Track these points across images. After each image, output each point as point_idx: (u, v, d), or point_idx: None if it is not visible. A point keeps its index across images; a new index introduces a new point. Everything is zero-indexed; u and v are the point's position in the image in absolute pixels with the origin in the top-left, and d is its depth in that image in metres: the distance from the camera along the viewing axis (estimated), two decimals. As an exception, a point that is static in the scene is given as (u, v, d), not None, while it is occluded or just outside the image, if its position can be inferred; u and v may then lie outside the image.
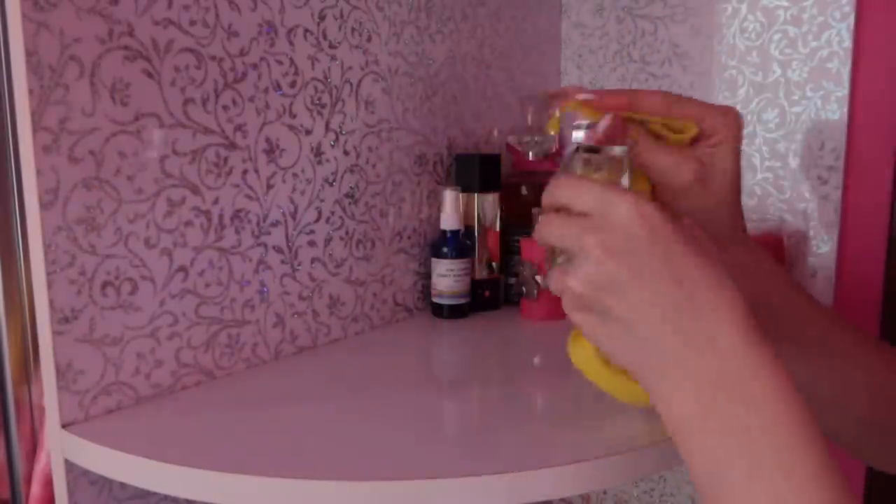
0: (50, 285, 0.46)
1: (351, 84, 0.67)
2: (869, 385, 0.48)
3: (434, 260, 0.76)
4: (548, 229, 0.39)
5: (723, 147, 0.45)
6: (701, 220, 0.42)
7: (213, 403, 0.53)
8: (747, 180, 0.90)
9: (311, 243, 0.65)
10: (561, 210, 0.40)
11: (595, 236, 0.37)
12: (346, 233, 0.68)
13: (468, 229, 0.79)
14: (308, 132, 0.63)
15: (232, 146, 0.57)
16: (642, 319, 0.36)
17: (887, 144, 0.82)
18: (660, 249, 0.36)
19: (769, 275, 0.48)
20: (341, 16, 0.66)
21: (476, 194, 0.78)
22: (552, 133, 0.52)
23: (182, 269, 0.54)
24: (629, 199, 0.37)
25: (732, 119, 0.46)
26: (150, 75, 0.51)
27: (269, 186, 0.60)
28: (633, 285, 0.36)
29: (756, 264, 0.47)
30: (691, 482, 0.94)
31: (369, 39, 0.69)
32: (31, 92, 0.44)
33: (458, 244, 0.76)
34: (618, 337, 0.38)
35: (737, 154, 0.46)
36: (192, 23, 0.53)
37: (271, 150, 0.60)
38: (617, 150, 0.43)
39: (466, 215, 0.79)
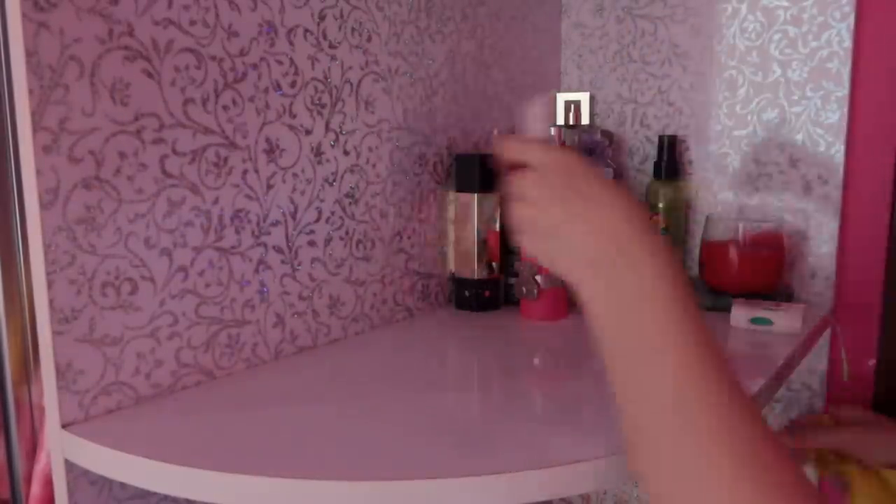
0: (50, 285, 0.46)
1: (351, 84, 0.67)
2: None
3: None
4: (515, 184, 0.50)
5: None
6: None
7: (213, 403, 0.53)
8: (748, 180, 0.90)
9: (311, 243, 0.65)
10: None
11: (531, 176, 0.48)
12: (346, 233, 0.68)
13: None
14: (308, 132, 0.63)
15: (232, 146, 0.57)
16: (568, 228, 0.46)
17: (887, 144, 0.82)
18: (580, 173, 0.47)
19: None
20: (341, 16, 0.66)
21: (475, 194, 0.78)
22: None
23: (182, 269, 0.54)
24: (551, 150, 0.49)
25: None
26: (150, 75, 0.51)
27: (269, 186, 0.60)
28: (553, 203, 0.47)
29: None
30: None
31: (369, 39, 0.69)
32: (31, 92, 0.44)
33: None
34: (554, 247, 0.47)
35: None
36: (192, 23, 0.53)
37: (271, 150, 0.60)
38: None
39: (466, 217, 0.79)
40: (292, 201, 0.62)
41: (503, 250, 0.82)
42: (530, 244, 0.49)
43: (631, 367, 0.41)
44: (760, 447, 0.37)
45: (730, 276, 0.80)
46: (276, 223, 0.61)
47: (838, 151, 0.83)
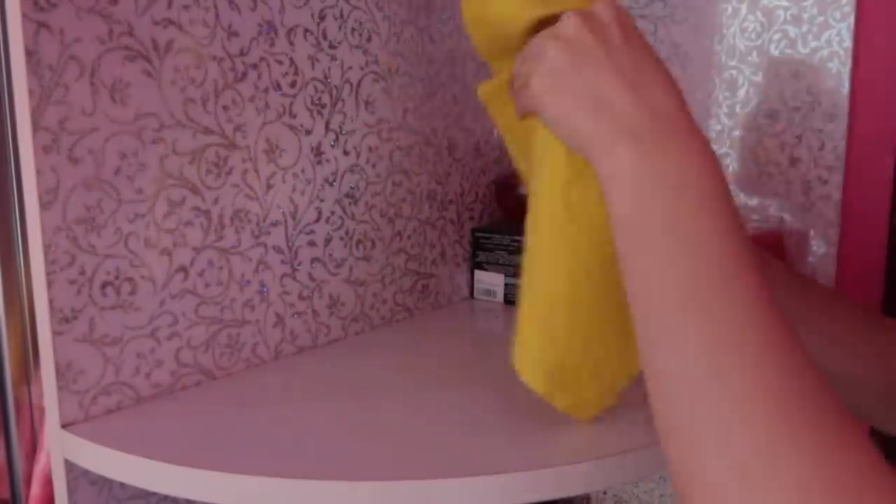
0: (50, 285, 0.46)
1: (351, 84, 0.67)
2: (882, 362, 0.48)
3: None
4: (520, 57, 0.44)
5: None
6: None
7: (213, 403, 0.53)
8: (748, 180, 0.90)
9: (311, 243, 0.65)
10: None
11: (553, 40, 0.41)
12: (346, 233, 0.68)
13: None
14: (308, 132, 0.63)
15: (232, 146, 0.57)
16: (597, 87, 0.39)
17: (887, 144, 0.82)
18: (629, 26, 0.41)
19: (767, 265, 0.48)
20: (341, 16, 0.66)
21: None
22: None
23: (182, 269, 0.54)
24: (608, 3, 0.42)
25: None
26: (150, 75, 0.51)
27: (269, 186, 0.60)
28: (598, 53, 0.40)
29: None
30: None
31: (369, 39, 0.69)
32: (31, 92, 0.44)
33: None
34: (583, 95, 0.40)
35: None
36: (192, 23, 0.53)
37: (271, 150, 0.60)
38: None
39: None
40: (292, 201, 0.62)
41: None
42: (548, 85, 0.41)
43: (656, 266, 0.35)
44: (821, 406, 0.29)
45: (730, 276, 0.80)
46: (276, 223, 0.61)
47: (838, 151, 0.83)
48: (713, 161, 0.37)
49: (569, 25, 0.41)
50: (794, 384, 0.30)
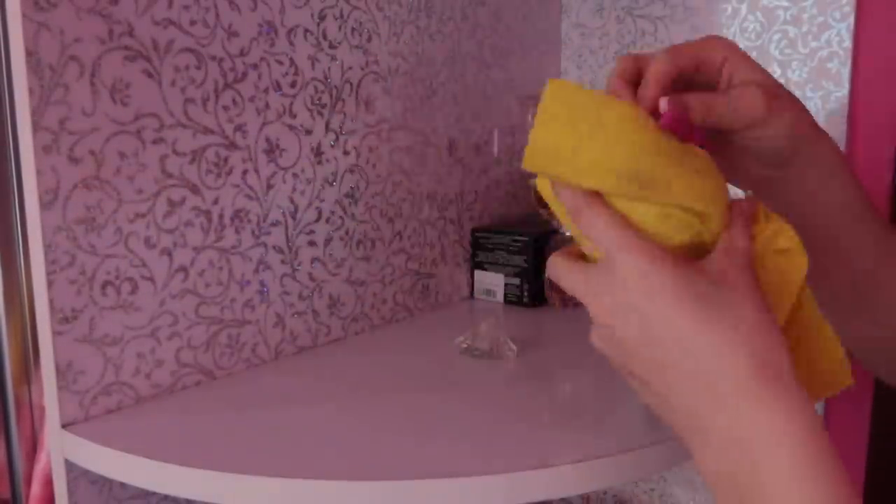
0: (50, 285, 0.46)
1: (351, 84, 0.67)
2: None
3: None
4: (554, 274, 0.40)
5: (738, 69, 0.42)
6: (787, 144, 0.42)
7: (213, 403, 0.53)
8: (747, 180, 0.90)
9: (311, 243, 0.65)
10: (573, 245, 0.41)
11: (595, 300, 0.38)
12: (346, 233, 0.68)
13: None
14: (308, 132, 0.63)
15: (232, 146, 0.57)
16: (657, 381, 0.37)
17: (887, 144, 0.82)
18: (659, 314, 0.35)
19: (838, 188, 0.46)
20: (341, 16, 0.66)
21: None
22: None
23: (182, 269, 0.54)
24: (633, 255, 0.36)
25: (724, 42, 0.43)
26: (150, 75, 0.51)
27: (269, 186, 0.60)
28: (641, 345, 0.36)
29: (830, 171, 0.45)
30: (691, 482, 0.94)
31: (369, 39, 0.69)
32: (31, 92, 0.44)
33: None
34: (643, 391, 0.39)
35: (752, 64, 0.42)
36: (192, 23, 0.53)
37: (271, 150, 0.60)
38: None
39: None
40: (292, 201, 0.62)
41: (503, 250, 0.82)
42: (602, 348, 0.39)
43: None
44: None
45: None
46: (276, 223, 0.61)
47: (838, 151, 0.83)
48: (797, 421, 0.34)
49: (594, 337, 0.39)
50: None
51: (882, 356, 0.51)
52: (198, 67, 0.54)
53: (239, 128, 0.57)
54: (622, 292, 0.36)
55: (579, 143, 0.37)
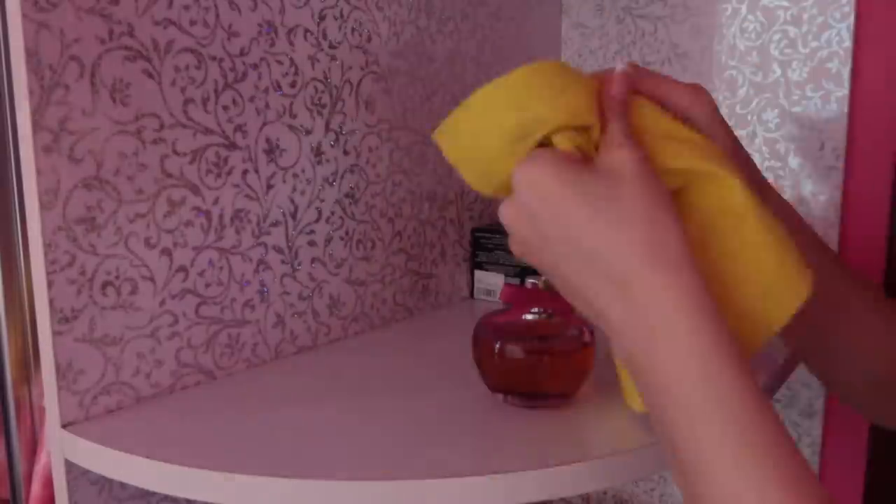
0: (50, 285, 0.46)
1: (351, 84, 0.67)
2: (876, 339, 0.48)
3: None
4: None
5: (702, 121, 0.45)
6: None
7: (213, 403, 0.53)
8: (747, 180, 0.90)
9: (311, 243, 0.65)
10: None
11: (504, 209, 0.41)
12: (346, 233, 0.68)
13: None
14: (308, 132, 0.63)
15: (232, 146, 0.57)
16: (559, 275, 0.40)
17: (887, 144, 0.82)
18: (550, 214, 0.39)
19: (822, 252, 0.49)
20: (341, 16, 0.66)
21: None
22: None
23: (182, 269, 0.54)
24: (522, 168, 0.40)
25: (704, 97, 0.46)
26: (150, 75, 0.51)
27: (269, 186, 0.60)
28: (542, 246, 0.40)
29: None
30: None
31: (369, 39, 0.69)
32: (31, 92, 0.44)
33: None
34: (556, 284, 0.42)
35: (719, 122, 0.46)
36: (193, 23, 0.53)
37: (271, 150, 0.60)
38: None
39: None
40: (292, 201, 0.62)
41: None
42: (521, 253, 0.43)
43: (661, 420, 0.36)
44: None
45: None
46: (276, 223, 0.61)
47: (838, 151, 0.83)
48: (687, 307, 0.36)
49: (503, 216, 0.42)
50: None
51: (860, 396, 0.52)
52: (198, 67, 0.54)
53: (239, 128, 0.57)
54: (520, 199, 0.40)
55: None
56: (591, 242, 0.37)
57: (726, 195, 0.42)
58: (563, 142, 0.41)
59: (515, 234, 0.41)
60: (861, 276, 0.50)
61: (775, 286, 0.42)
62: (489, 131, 0.42)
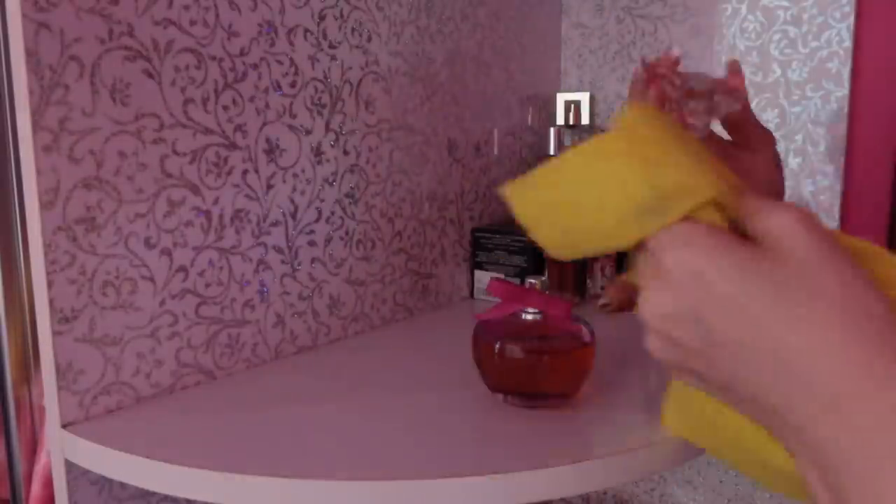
0: (50, 285, 0.46)
1: (351, 84, 0.67)
2: None
3: None
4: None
5: (763, 156, 0.47)
6: None
7: (213, 403, 0.53)
8: (747, 180, 0.90)
9: (311, 243, 0.65)
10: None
11: (652, 307, 0.34)
12: (346, 233, 0.68)
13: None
14: (308, 132, 0.63)
15: (232, 146, 0.57)
16: (733, 388, 0.33)
17: (887, 144, 0.82)
18: (725, 312, 0.31)
19: None
20: (341, 16, 0.66)
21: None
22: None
23: (182, 269, 0.54)
24: (676, 254, 0.32)
25: (771, 136, 0.49)
26: (150, 75, 0.51)
27: (269, 186, 0.60)
28: (711, 354, 0.32)
29: None
30: (691, 482, 0.94)
31: (369, 39, 0.69)
32: (31, 92, 0.44)
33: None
34: (724, 397, 0.35)
35: (779, 164, 0.49)
36: (192, 23, 0.53)
37: (271, 150, 0.60)
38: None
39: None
40: (292, 201, 0.62)
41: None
42: (661, 357, 0.35)
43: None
44: None
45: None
46: (276, 223, 0.61)
47: (838, 151, 0.83)
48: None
49: (645, 317, 0.34)
50: None
51: None
52: (198, 67, 0.54)
53: (239, 128, 0.57)
54: (679, 297, 0.32)
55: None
56: (788, 344, 0.30)
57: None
58: (711, 216, 0.33)
59: (671, 339, 0.33)
60: None
61: None
62: (603, 198, 0.35)
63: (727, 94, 0.44)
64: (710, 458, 0.92)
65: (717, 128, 0.49)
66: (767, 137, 0.49)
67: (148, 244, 0.52)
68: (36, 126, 0.45)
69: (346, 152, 0.67)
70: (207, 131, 0.55)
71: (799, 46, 0.84)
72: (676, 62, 0.44)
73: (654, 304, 0.33)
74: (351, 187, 0.68)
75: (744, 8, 0.87)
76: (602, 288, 0.84)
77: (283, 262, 0.62)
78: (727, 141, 0.51)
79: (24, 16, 0.43)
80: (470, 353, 0.65)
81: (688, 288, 0.32)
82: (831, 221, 0.84)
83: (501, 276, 0.83)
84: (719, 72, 0.90)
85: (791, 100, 0.86)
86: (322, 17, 0.64)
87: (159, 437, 0.47)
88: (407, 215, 0.76)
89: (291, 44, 0.61)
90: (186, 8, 0.52)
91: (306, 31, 0.62)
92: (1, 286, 0.71)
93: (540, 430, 0.48)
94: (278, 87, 0.60)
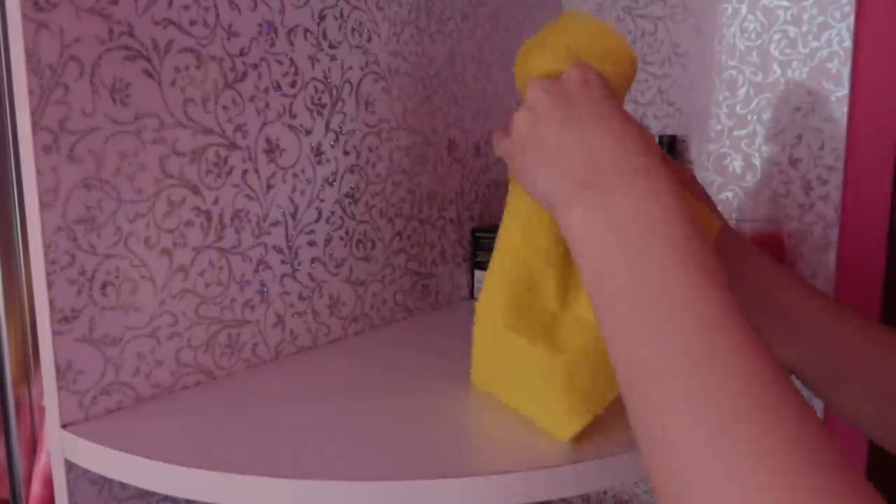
0: (50, 285, 0.46)
1: (351, 84, 0.67)
2: (884, 373, 0.49)
3: None
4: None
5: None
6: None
7: (213, 403, 0.53)
8: (748, 180, 0.90)
9: (311, 243, 0.65)
10: None
11: (521, 112, 0.45)
12: (346, 233, 0.68)
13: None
14: (308, 132, 0.63)
15: (232, 146, 0.57)
16: (559, 134, 0.42)
17: (887, 144, 0.82)
18: (593, 105, 0.42)
19: (754, 255, 0.52)
20: (341, 16, 0.66)
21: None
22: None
23: (182, 269, 0.54)
24: (578, 66, 0.45)
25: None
26: (150, 75, 0.51)
27: (269, 186, 0.60)
28: (557, 109, 0.43)
29: (745, 253, 0.52)
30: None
31: (369, 39, 0.69)
32: (31, 92, 0.44)
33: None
34: (541, 157, 0.43)
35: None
36: (192, 23, 0.53)
37: (271, 150, 0.60)
38: None
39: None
40: (292, 201, 0.62)
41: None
42: (514, 153, 0.45)
43: (633, 315, 0.34)
44: (808, 435, 0.27)
45: (730, 276, 0.80)
46: (276, 223, 0.61)
47: (838, 151, 0.83)
48: (672, 201, 0.36)
49: (531, 96, 0.45)
50: (802, 439, 0.28)
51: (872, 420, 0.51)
52: (198, 67, 0.54)
53: (239, 128, 0.57)
54: (566, 84, 0.45)
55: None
56: (609, 113, 0.42)
57: None
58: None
59: (535, 111, 0.44)
60: (830, 300, 0.51)
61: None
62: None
63: None
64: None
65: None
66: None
67: (148, 244, 0.52)
68: (36, 126, 0.45)
69: (346, 152, 0.67)
70: (207, 131, 0.55)
71: (799, 46, 0.84)
72: None
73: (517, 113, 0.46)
74: (351, 187, 0.68)
75: (744, 8, 0.87)
76: None
77: (283, 262, 0.62)
78: None
79: (24, 16, 0.43)
80: (468, 354, 0.65)
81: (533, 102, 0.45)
82: (831, 221, 0.84)
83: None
84: (717, 69, 0.90)
85: (791, 100, 0.86)
86: (322, 17, 0.64)
87: (159, 437, 0.47)
88: (407, 215, 0.76)
89: (291, 44, 0.61)
90: (186, 8, 0.52)
91: (306, 31, 0.62)
92: (1, 286, 0.71)
93: (540, 430, 0.48)
94: (278, 87, 0.60)
